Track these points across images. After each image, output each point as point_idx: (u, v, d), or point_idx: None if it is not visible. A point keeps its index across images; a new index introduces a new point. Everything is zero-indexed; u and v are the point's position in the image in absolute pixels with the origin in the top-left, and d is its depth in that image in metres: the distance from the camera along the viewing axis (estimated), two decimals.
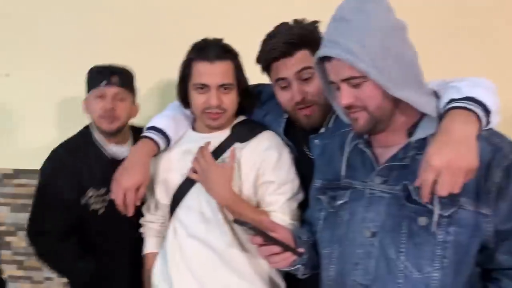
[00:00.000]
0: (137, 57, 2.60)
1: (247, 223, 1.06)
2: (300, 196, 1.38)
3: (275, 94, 1.42)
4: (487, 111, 0.95)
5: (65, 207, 1.58)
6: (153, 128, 1.43)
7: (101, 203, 1.62)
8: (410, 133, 1.02)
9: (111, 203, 1.43)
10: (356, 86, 0.98)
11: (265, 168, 1.36)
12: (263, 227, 1.08)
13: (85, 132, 1.67)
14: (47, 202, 1.60)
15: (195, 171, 1.37)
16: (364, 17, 0.95)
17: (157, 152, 1.42)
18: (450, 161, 0.86)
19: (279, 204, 1.35)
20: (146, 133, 1.43)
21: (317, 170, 1.21)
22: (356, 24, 0.95)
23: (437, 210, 0.93)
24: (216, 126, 1.40)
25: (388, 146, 1.05)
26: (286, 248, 1.06)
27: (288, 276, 1.44)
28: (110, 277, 1.63)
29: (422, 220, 0.95)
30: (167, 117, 1.47)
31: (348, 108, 1.02)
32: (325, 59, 1.02)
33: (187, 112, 1.51)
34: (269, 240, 1.05)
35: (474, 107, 0.94)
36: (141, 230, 1.57)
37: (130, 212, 1.32)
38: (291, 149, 1.42)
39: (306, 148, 1.40)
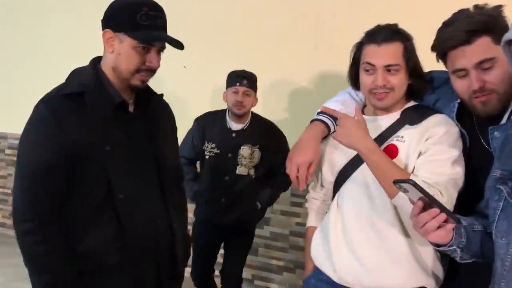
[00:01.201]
0: (290, 55, 2.78)
1: (408, 179, 1.06)
2: (456, 173, 1.33)
3: (449, 82, 1.40)
4: None
5: (194, 147, 2.60)
6: (323, 112, 1.53)
7: (210, 152, 2.55)
8: None
9: (217, 155, 2.54)
10: None
11: (429, 141, 1.36)
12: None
13: (223, 111, 2.61)
14: (186, 140, 2.62)
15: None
16: None
17: (327, 134, 1.52)
18: None
19: (424, 169, 1.33)
20: (317, 116, 1.53)
21: (497, 161, 1.17)
22: None
23: None
24: (383, 107, 1.43)
25: None
26: (443, 210, 1.06)
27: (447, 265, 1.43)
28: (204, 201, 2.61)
29: None
30: (337, 102, 1.55)
31: None
32: (511, 42, 1.00)
33: (357, 98, 1.57)
34: (428, 200, 1.06)
35: None
36: (306, 205, 1.70)
37: (302, 186, 1.44)
38: (463, 136, 1.39)
39: (483, 140, 1.37)
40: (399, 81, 1.40)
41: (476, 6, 1.29)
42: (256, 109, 2.66)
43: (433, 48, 1.35)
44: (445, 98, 1.45)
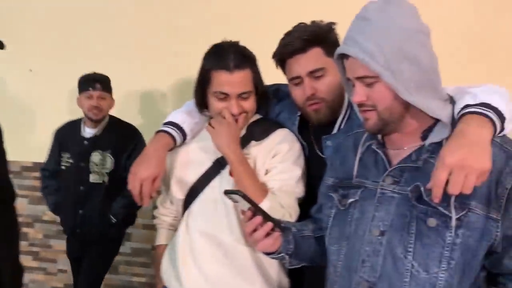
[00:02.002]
0: (150, 59, 2.70)
1: (237, 190, 1.07)
2: (299, 192, 1.39)
3: (289, 92, 1.47)
4: (502, 118, 0.96)
5: (55, 158, 2.54)
6: (170, 123, 1.46)
7: (66, 163, 2.50)
8: (424, 136, 1.04)
9: (71, 165, 2.47)
10: (368, 85, 1.01)
11: (275, 159, 1.39)
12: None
13: (81, 119, 2.53)
14: (49, 153, 2.57)
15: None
16: (385, 18, 0.98)
17: (173, 146, 1.45)
18: (463, 160, 0.87)
19: (275, 188, 1.36)
20: (163, 127, 1.46)
21: (329, 169, 1.23)
22: (376, 24, 0.97)
23: (454, 215, 0.93)
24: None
25: (401, 148, 1.07)
26: (269, 219, 1.09)
27: (292, 275, 1.46)
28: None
29: (432, 222, 0.96)
30: (184, 113, 1.50)
31: (360, 106, 1.04)
32: (344, 56, 1.05)
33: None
34: (255, 211, 1.08)
35: (489, 112, 0.95)
36: (155, 221, 1.61)
37: (146, 203, 1.35)
38: (304, 148, 1.45)
39: (318, 148, 1.43)
40: (252, 105, 1.40)
41: (313, 21, 1.39)
42: (114, 115, 2.54)
43: (274, 55, 1.40)
44: (287, 111, 1.51)
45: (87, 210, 2.43)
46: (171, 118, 1.48)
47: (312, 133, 1.46)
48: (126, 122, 2.54)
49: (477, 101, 0.98)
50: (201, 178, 1.42)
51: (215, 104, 1.38)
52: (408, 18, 1.00)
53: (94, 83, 2.38)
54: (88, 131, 2.47)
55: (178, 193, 1.47)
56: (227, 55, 1.35)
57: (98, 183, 2.43)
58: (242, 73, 1.35)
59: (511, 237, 0.95)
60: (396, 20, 0.98)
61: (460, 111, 0.99)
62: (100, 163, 2.42)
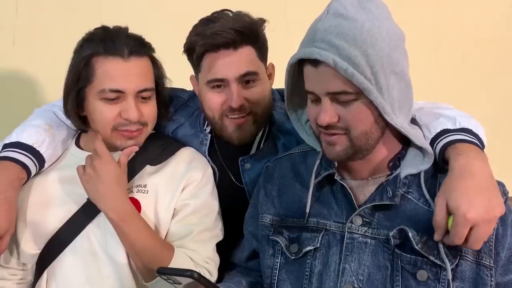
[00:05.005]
0: None
1: (189, 271, 0.72)
2: (219, 233, 1.08)
3: (190, 104, 1.19)
4: (482, 146, 0.84)
5: None
6: (17, 145, 0.98)
7: None
8: (394, 166, 0.86)
9: None
10: (344, 103, 0.78)
11: (185, 193, 1.04)
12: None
13: None
14: None
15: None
16: (370, 18, 0.76)
17: (26, 180, 0.98)
18: (487, 214, 0.72)
19: (188, 238, 1.02)
20: (7, 153, 0.96)
21: (262, 202, 0.96)
22: (360, 25, 0.75)
23: (448, 265, 0.77)
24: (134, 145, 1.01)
25: (364, 178, 0.87)
26: None
27: None
28: None
29: (422, 274, 0.78)
30: (37, 128, 1.02)
31: (326, 128, 0.81)
32: (303, 62, 0.80)
33: (67, 121, 1.07)
34: None
35: (476, 140, 0.82)
36: None
37: None
38: (214, 173, 1.13)
39: (231, 174, 1.15)
40: (153, 111, 1.03)
41: (239, 12, 1.07)
42: None
43: (190, 46, 1.05)
44: (189, 125, 1.17)
45: None
46: (18, 136, 0.99)
47: (221, 154, 1.16)
48: None
49: (457, 126, 0.85)
50: (67, 223, 0.99)
51: (104, 110, 0.97)
52: (391, 20, 0.81)
53: None
54: None
55: (31, 245, 1.01)
56: (117, 38, 0.97)
57: None
58: (141, 62, 0.99)
59: (500, 284, 0.83)
60: (383, 23, 0.78)
61: (440, 137, 0.84)
62: None
